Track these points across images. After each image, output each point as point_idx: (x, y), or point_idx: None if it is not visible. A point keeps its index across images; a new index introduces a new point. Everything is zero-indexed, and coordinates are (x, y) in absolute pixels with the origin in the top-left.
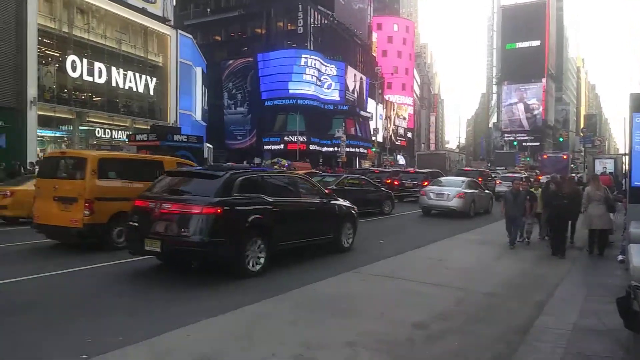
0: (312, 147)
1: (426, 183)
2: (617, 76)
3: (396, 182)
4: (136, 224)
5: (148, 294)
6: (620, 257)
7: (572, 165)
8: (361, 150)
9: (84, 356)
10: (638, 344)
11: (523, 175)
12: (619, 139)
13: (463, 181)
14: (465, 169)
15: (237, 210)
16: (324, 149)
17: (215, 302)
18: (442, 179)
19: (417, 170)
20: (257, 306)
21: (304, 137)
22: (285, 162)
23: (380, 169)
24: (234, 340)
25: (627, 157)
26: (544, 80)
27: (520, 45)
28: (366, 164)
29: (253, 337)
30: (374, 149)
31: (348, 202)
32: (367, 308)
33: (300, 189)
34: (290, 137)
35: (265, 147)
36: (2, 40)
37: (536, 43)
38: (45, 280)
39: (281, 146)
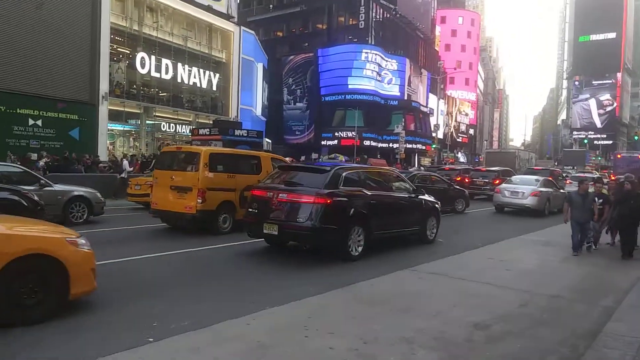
0: (367, 142)
1: (497, 181)
2: None
3: (467, 180)
4: (256, 211)
5: (238, 277)
6: None
7: None
8: (420, 146)
9: (150, 339)
10: None
11: (595, 176)
12: None
13: (538, 180)
14: (535, 167)
15: (343, 201)
16: (379, 145)
17: (315, 283)
18: (516, 177)
19: (489, 169)
20: (318, 298)
21: (353, 133)
22: (342, 158)
23: (450, 166)
24: (293, 330)
25: None
26: (619, 74)
27: (594, 37)
28: (425, 161)
29: (312, 329)
30: (433, 146)
31: (432, 197)
32: (424, 306)
33: (392, 184)
34: (341, 132)
35: (323, 142)
36: (78, 38)
37: (612, 35)
38: (156, 259)
39: (335, 142)
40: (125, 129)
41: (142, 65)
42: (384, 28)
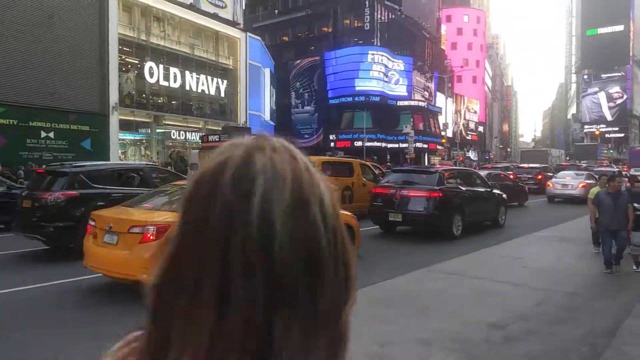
0: (377, 143)
1: (540, 176)
2: None
3: (512, 176)
4: (380, 204)
5: None
6: None
7: None
8: (429, 146)
9: None
10: None
11: (615, 169)
12: None
13: (582, 174)
14: (563, 164)
15: (448, 195)
16: (389, 145)
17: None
18: (563, 172)
19: (531, 166)
20: None
21: (356, 134)
22: None
23: (491, 164)
24: None
25: None
26: (628, 67)
27: (602, 30)
28: (435, 160)
29: None
30: (439, 146)
31: (500, 191)
32: (441, 306)
33: (475, 180)
34: (349, 134)
35: (332, 145)
36: (87, 50)
37: (619, 28)
38: None
39: (346, 144)
40: (136, 138)
41: (151, 75)
42: (389, 29)
